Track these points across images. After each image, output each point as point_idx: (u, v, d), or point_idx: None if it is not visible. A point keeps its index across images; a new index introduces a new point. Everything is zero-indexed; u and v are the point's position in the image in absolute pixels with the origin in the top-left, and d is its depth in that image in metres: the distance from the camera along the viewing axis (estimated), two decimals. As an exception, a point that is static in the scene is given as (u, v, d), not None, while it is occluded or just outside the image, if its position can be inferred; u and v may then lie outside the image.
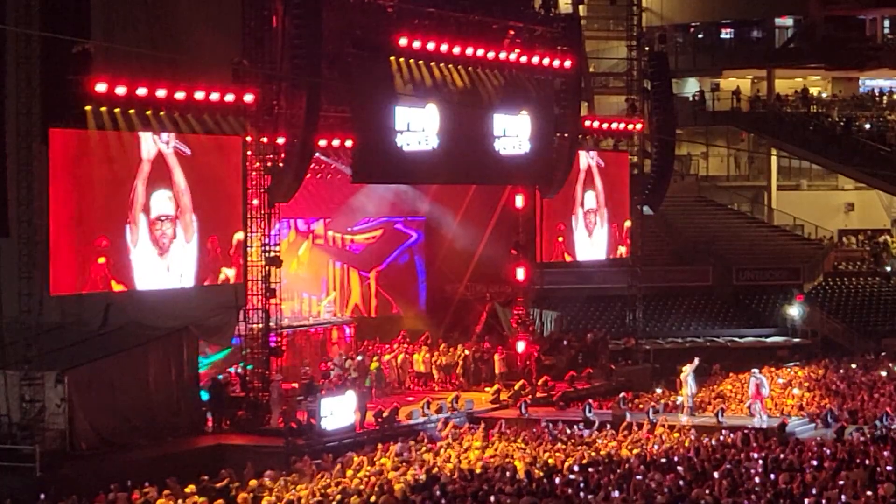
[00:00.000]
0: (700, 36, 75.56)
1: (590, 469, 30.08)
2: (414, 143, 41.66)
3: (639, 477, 28.70)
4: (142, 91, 34.31)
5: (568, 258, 51.05)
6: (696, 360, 41.57)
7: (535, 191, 48.87)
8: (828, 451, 31.78)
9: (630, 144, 53.80)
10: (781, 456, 31.27)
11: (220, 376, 38.95)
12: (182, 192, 35.93)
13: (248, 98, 37.02)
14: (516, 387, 43.77)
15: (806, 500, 26.17)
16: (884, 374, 48.89)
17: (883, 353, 55.17)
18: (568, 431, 37.25)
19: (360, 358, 43.91)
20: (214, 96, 36.17)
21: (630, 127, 53.06)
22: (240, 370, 38.80)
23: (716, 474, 28.86)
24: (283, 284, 38.62)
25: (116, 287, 34.64)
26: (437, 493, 27.59)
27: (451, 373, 45.78)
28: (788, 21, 74.41)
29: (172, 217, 35.84)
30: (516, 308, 49.10)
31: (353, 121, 40.38)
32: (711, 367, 50.97)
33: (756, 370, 41.78)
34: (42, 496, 29.73)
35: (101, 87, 33.34)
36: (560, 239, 50.10)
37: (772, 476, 28.58)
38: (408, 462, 32.54)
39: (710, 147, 72.99)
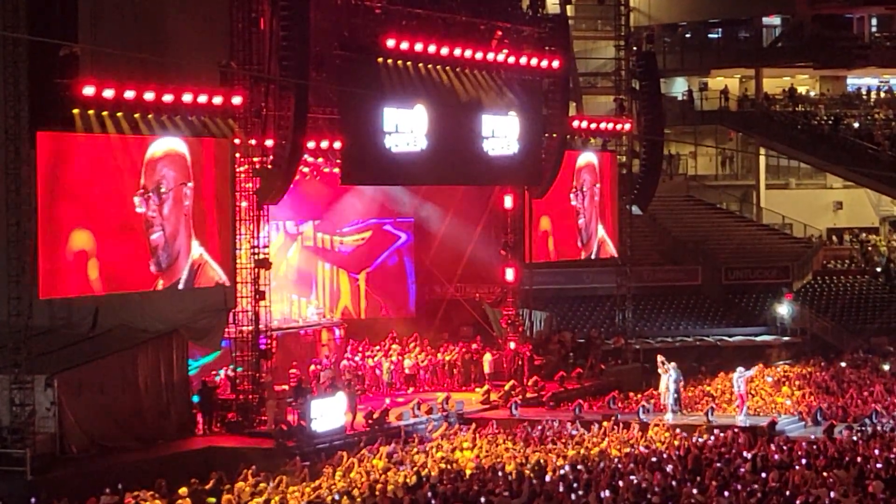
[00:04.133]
0: (688, 35, 75.55)
1: (580, 468, 30.12)
2: (402, 144, 41.69)
3: (631, 476, 28.75)
4: (129, 94, 34.31)
5: (557, 258, 51.17)
6: (659, 359, 41.49)
7: (524, 191, 48.92)
8: (817, 450, 31.85)
9: (618, 144, 53.90)
10: (771, 454, 31.33)
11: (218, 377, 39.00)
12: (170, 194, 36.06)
13: (236, 100, 37.02)
14: (506, 387, 43.81)
15: (796, 499, 26.21)
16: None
17: (871, 351, 55.24)
18: (558, 431, 37.27)
19: (343, 363, 44.05)
20: (202, 98, 36.16)
21: (618, 127, 53.14)
22: (230, 372, 38.78)
23: (706, 473, 28.92)
24: (272, 287, 38.65)
25: (106, 290, 34.62)
26: (428, 493, 27.62)
27: (440, 374, 45.83)
28: (776, 20, 74.47)
29: (162, 219, 35.93)
30: (506, 308, 49.12)
31: (342, 122, 40.39)
32: (700, 367, 51.00)
33: (741, 368, 41.73)
34: (33, 500, 29.78)
35: (88, 91, 33.33)
36: (548, 238, 50.27)
37: (762, 474, 28.64)
38: (399, 463, 32.56)
39: (698, 146, 73.06)
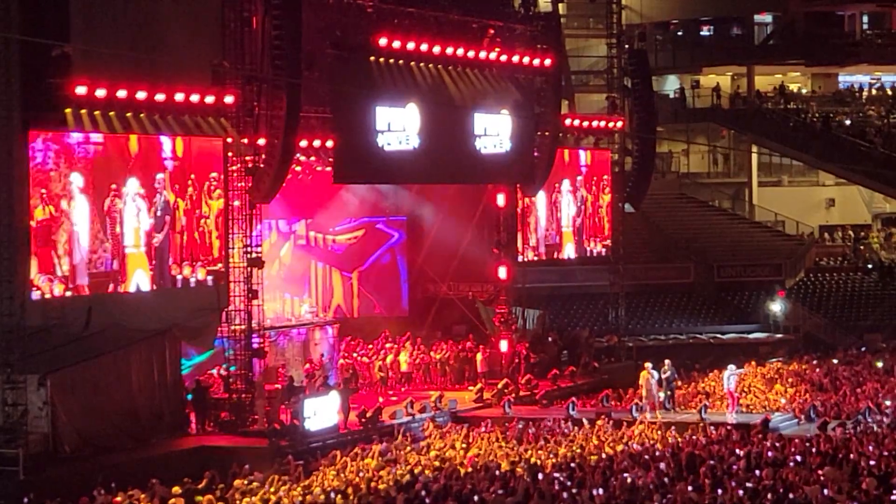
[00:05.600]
0: (680, 33, 75.69)
1: (574, 466, 30.12)
2: (395, 142, 41.69)
3: (624, 474, 28.76)
4: (122, 93, 34.31)
5: (550, 256, 51.26)
6: (648, 366, 41.69)
7: (517, 189, 48.95)
8: (811, 447, 31.88)
9: (611, 142, 53.95)
10: (765, 451, 31.35)
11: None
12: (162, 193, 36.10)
13: (229, 99, 37.01)
14: (499, 385, 43.82)
15: (789, 495, 26.24)
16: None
17: (864, 348, 55.34)
18: (552, 429, 37.27)
19: (341, 362, 44.02)
20: (195, 98, 36.20)
21: (611, 125, 53.21)
22: (223, 372, 38.76)
23: (700, 470, 28.92)
24: (264, 285, 38.63)
25: (99, 289, 34.61)
26: (422, 492, 27.61)
27: (433, 372, 45.85)
28: (768, 18, 74.62)
29: (154, 219, 35.96)
30: (499, 307, 49.11)
31: (334, 121, 40.37)
32: (693, 365, 51.06)
33: (732, 366, 41.87)
34: (26, 500, 29.72)
35: (81, 90, 33.33)
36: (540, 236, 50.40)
37: (756, 472, 28.65)
38: (392, 461, 32.55)
39: (690, 144, 73.14)
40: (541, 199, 50.05)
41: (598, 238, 53.22)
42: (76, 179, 34.08)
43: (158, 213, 36.16)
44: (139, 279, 35.68)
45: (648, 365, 41.24)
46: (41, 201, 33.08)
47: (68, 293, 33.89)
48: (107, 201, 34.82)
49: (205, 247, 37.47)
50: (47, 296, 33.35)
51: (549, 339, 50.01)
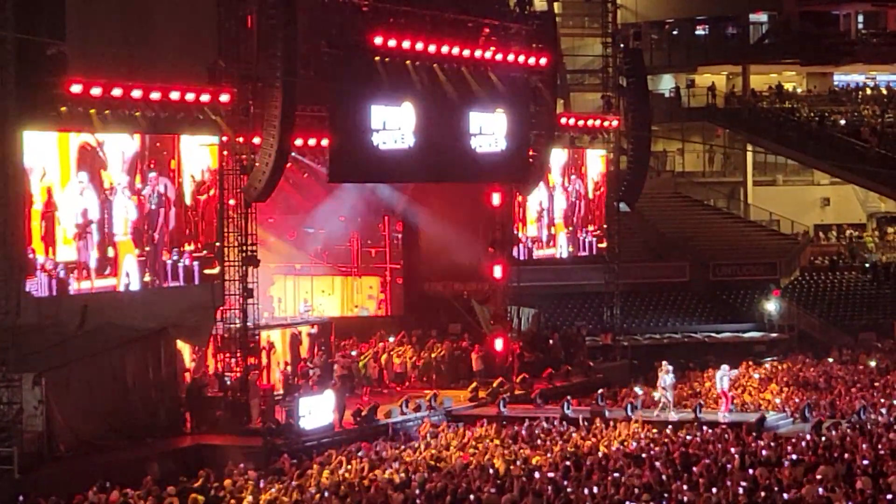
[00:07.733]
0: (675, 32, 75.71)
1: (569, 465, 30.13)
2: (390, 141, 41.69)
3: (617, 473, 28.78)
4: (117, 92, 34.32)
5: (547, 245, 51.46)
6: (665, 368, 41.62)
7: (512, 188, 48.98)
8: (806, 446, 31.92)
9: (606, 141, 53.95)
10: (760, 450, 31.39)
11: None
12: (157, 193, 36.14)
13: (224, 98, 37.00)
14: (494, 384, 43.81)
15: (784, 495, 26.27)
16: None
17: (860, 348, 55.37)
18: (547, 428, 37.27)
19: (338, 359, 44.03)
20: (190, 96, 36.19)
21: (606, 124, 53.25)
22: (218, 370, 38.72)
23: (694, 469, 28.96)
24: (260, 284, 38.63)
25: (92, 289, 34.62)
26: (416, 491, 27.62)
27: (428, 371, 45.83)
28: (763, 17, 74.68)
29: (147, 211, 36.06)
30: (494, 305, 49.10)
31: (329, 120, 40.37)
32: (688, 364, 51.09)
33: (725, 367, 41.88)
34: (21, 498, 29.67)
35: (76, 89, 33.32)
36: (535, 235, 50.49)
37: (750, 471, 28.69)
38: (386, 460, 32.53)
39: (685, 143, 73.17)
40: (534, 195, 50.12)
41: (591, 229, 53.30)
42: (72, 176, 34.13)
43: (153, 207, 36.24)
44: (128, 265, 35.74)
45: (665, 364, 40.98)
46: (46, 195, 33.30)
47: (72, 276, 33.97)
48: (104, 196, 34.91)
49: (194, 235, 37.53)
50: (52, 272, 33.43)
51: (550, 339, 49.99)
